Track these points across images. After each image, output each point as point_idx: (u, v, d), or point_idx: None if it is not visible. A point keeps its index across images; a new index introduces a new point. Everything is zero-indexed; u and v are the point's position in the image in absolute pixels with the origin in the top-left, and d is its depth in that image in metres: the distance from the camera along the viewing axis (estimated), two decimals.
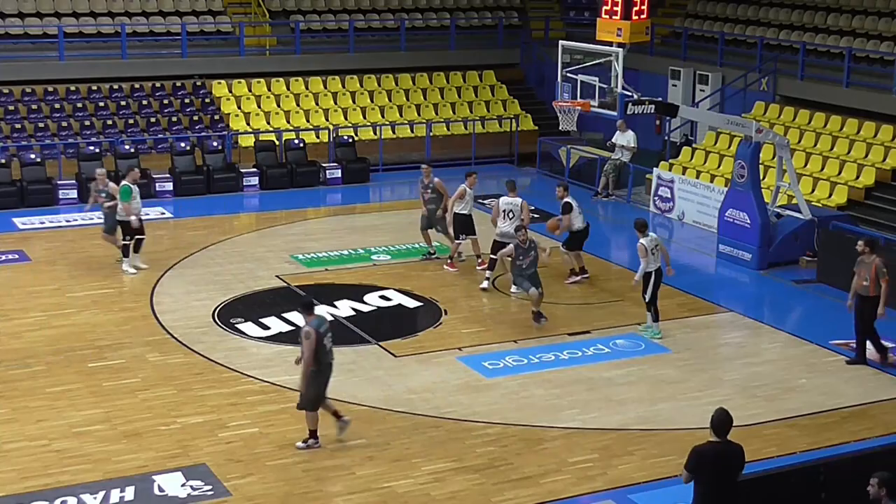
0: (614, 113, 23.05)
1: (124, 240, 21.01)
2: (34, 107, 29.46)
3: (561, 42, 23.75)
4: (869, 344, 16.80)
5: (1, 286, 20.03)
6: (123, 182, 21.18)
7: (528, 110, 33.23)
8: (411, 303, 19.59)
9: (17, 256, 21.95)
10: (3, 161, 27.03)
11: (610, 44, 22.92)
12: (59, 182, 26.86)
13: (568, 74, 23.11)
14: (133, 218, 20.81)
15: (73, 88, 30.15)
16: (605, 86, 22.57)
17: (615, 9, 23.20)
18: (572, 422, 14.86)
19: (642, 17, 23.39)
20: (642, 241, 17.60)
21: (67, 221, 24.96)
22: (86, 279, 20.41)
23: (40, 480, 12.93)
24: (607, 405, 15.40)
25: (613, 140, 28.10)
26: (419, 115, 32.35)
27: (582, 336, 17.91)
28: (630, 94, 22.58)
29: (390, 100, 32.63)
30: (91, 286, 20.04)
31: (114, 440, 14.05)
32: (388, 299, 19.73)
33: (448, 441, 14.24)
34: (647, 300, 17.79)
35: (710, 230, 23.97)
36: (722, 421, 10.48)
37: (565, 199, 20.91)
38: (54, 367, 16.36)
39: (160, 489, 12.84)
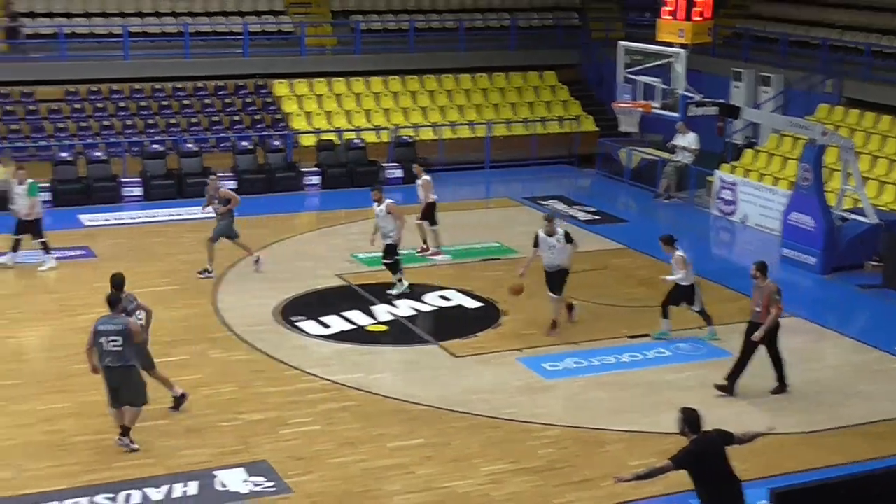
0: (675, 114, 22.93)
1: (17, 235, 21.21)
2: (100, 105, 29.84)
3: (621, 43, 23.66)
4: None
5: (66, 282, 20.31)
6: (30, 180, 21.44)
7: (588, 111, 33.12)
8: (471, 303, 19.60)
9: (82, 252, 22.26)
10: (69, 158, 27.42)
11: (671, 45, 22.80)
12: (123, 179, 27.20)
13: (628, 76, 23.02)
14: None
15: (137, 87, 30.51)
16: (666, 87, 22.45)
17: (677, 10, 23.08)
18: (633, 425, 14.79)
19: (704, 17, 23.25)
20: (680, 252, 17.49)
21: (132, 218, 25.28)
22: (149, 276, 20.61)
23: (104, 474, 13.09)
24: (668, 409, 15.25)
25: (674, 142, 27.93)
26: (479, 115, 32.36)
27: (643, 339, 17.82)
28: (691, 95, 22.44)
29: (450, 100, 32.67)
30: (155, 283, 20.24)
31: (176, 435, 14.19)
32: (448, 299, 19.76)
33: (507, 442, 14.23)
34: (698, 309, 17.69)
35: (773, 233, 23.76)
36: (694, 417, 10.60)
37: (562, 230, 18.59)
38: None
39: (222, 485, 12.95)
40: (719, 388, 15.61)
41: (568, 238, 17.83)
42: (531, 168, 31.14)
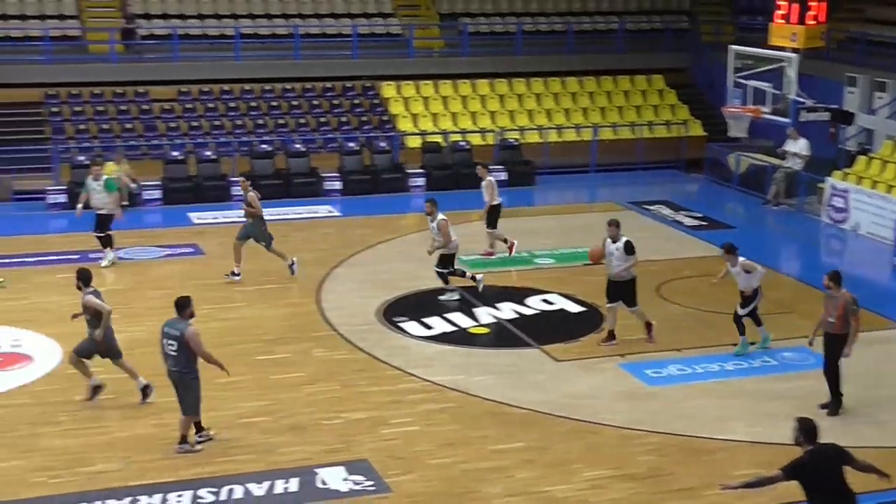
0: (786, 120, 22.60)
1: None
2: (211, 105, 30.36)
3: (732, 47, 23.38)
4: None
5: (175, 278, 20.67)
6: (106, 176, 21.76)
7: (697, 116, 32.74)
8: (574, 307, 19.50)
9: (191, 250, 22.66)
10: (180, 157, 27.94)
11: (783, 49, 22.46)
12: (232, 179, 27.60)
13: (739, 80, 22.74)
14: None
15: (247, 88, 30.98)
16: (777, 92, 22.14)
17: (790, 13, 22.70)
18: (736, 434, 14.56)
19: (818, 21, 22.83)
20: (744, 259, 17.01)
21: (240, 217, 25.59)
22: (255, 274, 20.89)
23: (208, 468, 13.29)
24: (772, 419, 15.01)
25: (785, 147, 27.44)
26: (585, 118, 32.19)
27: (749, 347, 17.50)
28: (803, 100, 22.07)
29: (557, 103, 32.56)
30: (260, 281, 20.53)
31: (278, 432, 14.35)
32: (551, 303, 19.68)
33: (607, 448, 14.12)
34: (745, 314, 17.18)
35: (885, 242, 23.21)
36: (810, 427, 10.37)
37: (625, 238, 17.50)
38: (223, 359, 16.71)
39: (323, 482, 13.06)
40: (823, 406, 15.20)
41: (628, 248, 17.19)
42: (637, 172, 30.88)
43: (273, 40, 32.17)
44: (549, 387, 16.04)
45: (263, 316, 18.81)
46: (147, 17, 32.15)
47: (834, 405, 15.18)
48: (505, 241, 22.43)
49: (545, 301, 19.75)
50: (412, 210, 26.99)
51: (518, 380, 16.28)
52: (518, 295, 19.92)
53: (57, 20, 31.53)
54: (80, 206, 21.87)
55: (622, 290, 17.37)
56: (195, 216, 25.55)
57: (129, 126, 29.30)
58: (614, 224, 17.46)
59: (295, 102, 30.94)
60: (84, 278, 14.83)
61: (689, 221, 25.59)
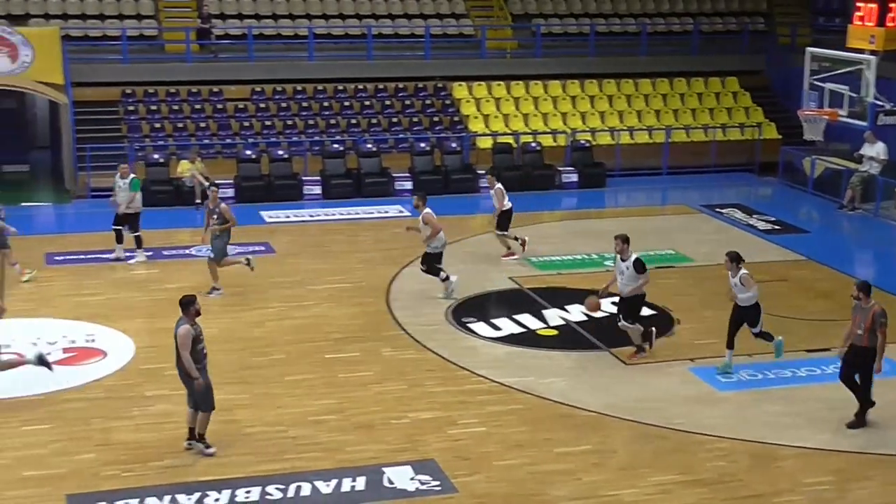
0: (864, 123, 22.26)
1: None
2: (284, 105, 30.60)
3: (808, 49, 23.09)
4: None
5: (246, 276, 20.85)
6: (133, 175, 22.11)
7: (771, 118, 32.36)
8: (644, 310, 19.34)
9: (262, 248, 22.86)
10: (253, 156, 28.21)
11: (861, 51, 22.12)
12: (304, 178, 27.81)
13: (815, 82, 22.44)
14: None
15: (320, 88, 31.17)
16: (854, 95, 21.80)
17: (868, 15, 22.36)
18: (807, 441, 14.36)
19: None
20: (746, 273, 16.19)
21: (311, 216, 25.83)
22: (326, 273, 21.04)
23: (276, 465, 13.40)
24: (843, 427, 14.80)
25: (861, 151, 27.02)
26: (658, 120, 31.97)
27: (821, 353, 17.28)
28: (881, 103, 21.73)
29: (629, 104, 32.36)
30: (330, 280, 20.66)
31: (346, 430, 14.42)
32: None
33: (676, 452, 14.00)
34: (758, 332, 16.43)
35: None
36: None
37: (635, 256, 17.00)
38: (292, 357, 16.95)
39: (390, 481, 13.10)
40: (850, 426, 14.79)
41: (637, 267, 16.70)
42: (710, 175, 30.60)
43: (347, 41, 32.35)
44: (618, 390, 15.95)
45: (333, 315, 18.92)
46: (222, 17, 32.49)
47: (859, 419, 14.77)
48: (516, 238, 22.47)
49: (615, 304, 19.60)
50: (482, 211, 26.97)
51: (586, 382, 16.21)
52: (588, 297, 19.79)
53: (135, 20, 31.98)
54: (113, 199, 22.34)
55: (626, 307, 16.95)
56: (267, 215, 25.77)
57: (203, 125, 29.63)
58: (621, 239, 16.85)
59: (367, 102, 31.08)
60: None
61: (762, 225, 25.30)
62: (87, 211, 26.12)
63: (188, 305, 13.54)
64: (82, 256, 22.02)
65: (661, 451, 14.02)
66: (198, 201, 26.51)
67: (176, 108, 29.97)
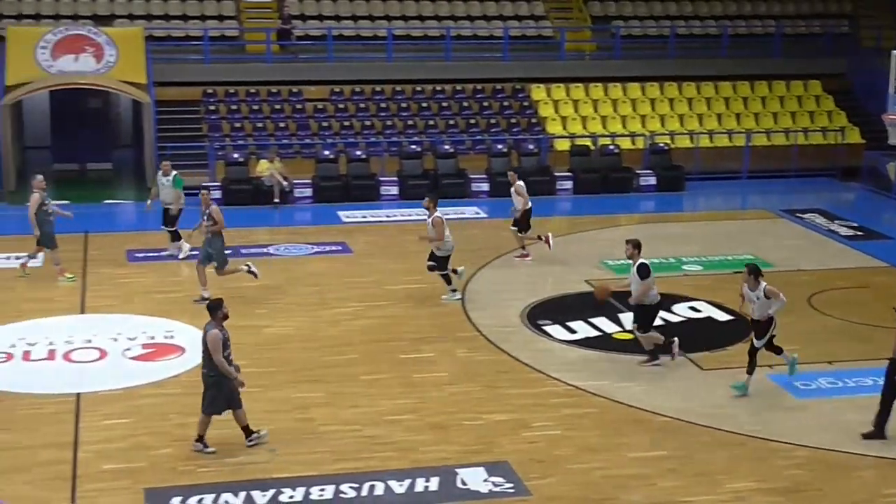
0: None
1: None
2: (362, 105, 30.77)
3: (895, 52, 22.67)
4: None
5: (323, 275, 21.02)
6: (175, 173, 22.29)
7: (854, 122, 31.86)
8: (722, 316, 19.16)
9: (339, 248, 23.00)
10: (331, 156, 28.40)
11: None
12: (381, 178, 27.92)
13: None
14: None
15: (398, 89, 31.29)
16: None
17: None
18: (888, 451, 14.09)
19: None
20: (768, 285, 15.50)
21: (388, 216, 25.93)
22: (402, 273, 21.10)
23: (351, 464, 13.46)
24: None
25: None
26: (739, 123, 31.63)
27: None
28: None
29: (709, 108, 32.07)
30: (406, 280, 20.72)
31: (420, 431, 14.44)
32: (698, 311, 19.38)
33: (752, 460, 13.82)
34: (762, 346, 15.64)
35: None
36: None
37: (640, 261, 16.64)
38: (368, 356, 17.02)
39: (463, 482, 13.09)
40: (866, 436, 14.38)
41: (641, 271, 16.38)
42: (791, 180, 30.20)
43: (426, 42, 32.44)
44: (694, 395, 15.79)
45: (408, 315, 18.97)
46: (302, 18, 32.76)
47: (877, 432, 14.40)
48: (539, 238, 22.39)
49: (692, 308, 19.46)
50: (559, 213, 26.93)
51: (662, 387, 16.07)
52: (665, 302, 19.62)
53: (216, 21, 32.36)
54: (150, 201, 22.74)
55: (636, 314, 16.69)
56: (344, 214, 25.93)
57: (282, 125, 29.90)
58: (631, 244, 16.55)
59: (445, 104, 31.14)
60: None
61: (844, 231, 24.91)
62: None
63: (216, 309, 13.59)
64: (163, 254, 22.31)
65: (737, 458, 13.85)
66: (276, 200, 26.76)
67: (256, 107, 30.27)
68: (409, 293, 20.08)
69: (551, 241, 22.34)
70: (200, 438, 13.67)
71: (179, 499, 12.44)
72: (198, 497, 12.51)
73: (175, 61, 30.18)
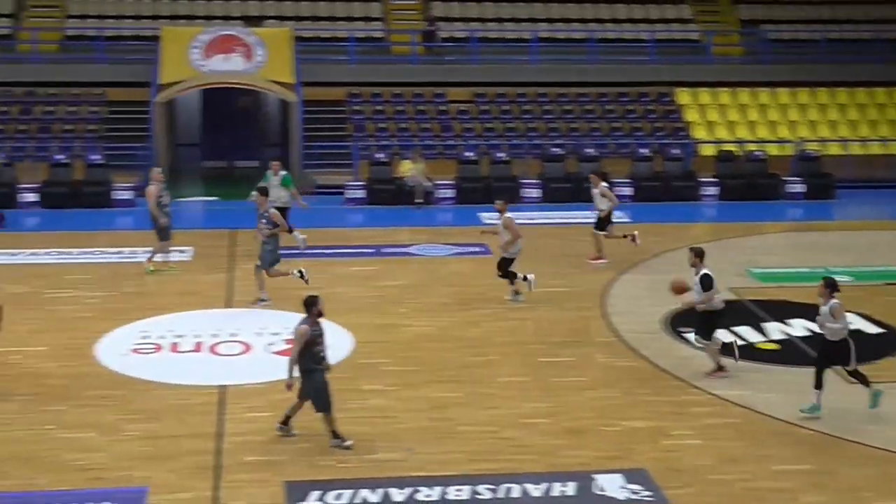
0: None
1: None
2: (505, 108, 30.79)
3: None
4: None
5: (464, 276, 21.06)
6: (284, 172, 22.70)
7: None
8: (871, 328, 18.59)
9: (481, 249, 23.00)
10: (473, 158, 28.47)
11: None
12: (523, 181, 27.88)
13: None
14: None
15: (542, 91, 31.22)
16: None
17: None
18: None
19: None
20: (837, 302, 14.72)
21: (529, 219, 25.85)
22: (542, 276, 20.97)
23: (488, 465, 13.42)
24: None
25: None
26: (893, 131, 30.69)
27: None
28: None
29: (862, 114, 31.18)
30: (547, 283, 20.61)
31: (558, 435, 14.33)
32: (848, 322, 18.80)
33: None
34: (852, 370, 14.92)
35: None
36: None
37: (704, 271, 16.16)
38: (507, 358, 16.98)
39: (600, 489, 12.95)
40: None
41: (704, 283, 15.89)
42: None
43: (570, 45, 32.27)
44: (842, 409, 15.33)
45: (548, 318, 18.88)
46: (447, 20, 32.92)
47: None
48: (625, 236, 22.20)
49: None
50: (703, 219, 26.51)
51: (807, 400, 15.64)
52: (811, 312, 19.12)
53: (363, 22, 32.74)
54: (300, 198, 23.30)
55: (700, 318, 16.27)
56: (486, 216, 25.94)
57: (426, 126, 30.10)
58: (694, 252, 16.17)
59: (588, 107, 30.94)
60: None
61: None
62: (313, 207, 26.86)
63: (311, 306, 13.63)
64: (305, 251, 22.62)
65: (886, 476, 13.39)
66: (418, 201, 26.94)
67: (400, 108, 30.54)
68: (550, 296, 19.98)
69: (638, 240, 22.19)
70: (335, 434, 13.80)
71: (319, 492, 12.57)
72: (337, 492, 12.62)
73: (322, 62, 30.62)
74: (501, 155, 28.74)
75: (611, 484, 13.04)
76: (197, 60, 29.33)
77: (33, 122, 29.86)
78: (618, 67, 31.68)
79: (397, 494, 12.63)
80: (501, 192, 27.41)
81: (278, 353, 16.98)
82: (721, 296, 16.41)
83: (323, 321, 13.80)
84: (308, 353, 13.49)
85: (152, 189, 21.03)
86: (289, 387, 13.54)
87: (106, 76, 30.39)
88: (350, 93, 30.86)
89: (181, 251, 22.46)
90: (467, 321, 18.70)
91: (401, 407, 14.98)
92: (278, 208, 22.67)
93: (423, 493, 12.71)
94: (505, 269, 19.75)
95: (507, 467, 13.38)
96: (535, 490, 12.86)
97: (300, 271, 19.59)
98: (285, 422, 13.99)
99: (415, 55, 31.45)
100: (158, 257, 21.31)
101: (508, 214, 19.65)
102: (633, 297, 19.95)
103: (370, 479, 12.93)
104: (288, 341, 17.41)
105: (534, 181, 28.06)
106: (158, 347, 17.25)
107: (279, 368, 16.18)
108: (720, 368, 16.40)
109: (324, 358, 13.69)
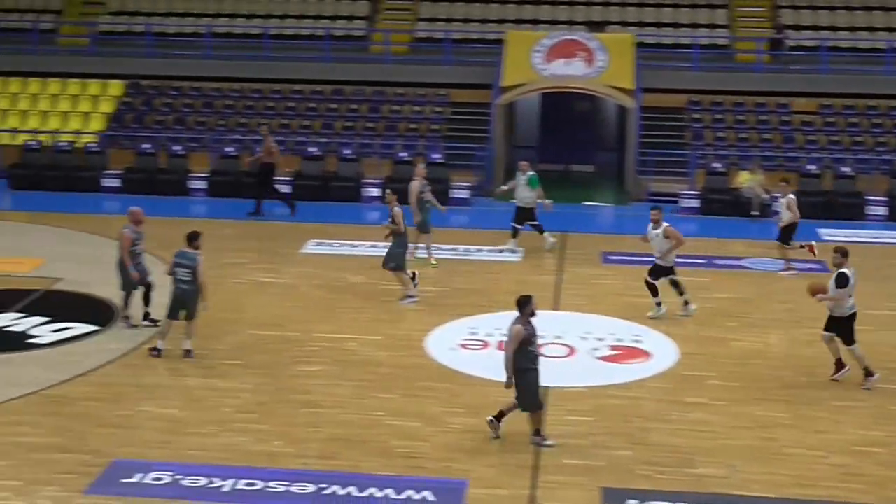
0: None
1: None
2: (852, 120, 29.49)
3: None
4: None
5: (797, 293, 20.23)
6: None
7: None
8: None
9: (817, 266, 21.91)
10: (815, 171, 27.42)
11: None
12: (868, 197, 26.60)
13: None
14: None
15: (894, 105, 29.61)
16: None
17: None
18: None
19: None
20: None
21: (873, 237, 24.61)
22: (884, 298, 19.88)
23: (814, 491, 12.83)
24: None
25: None
26: None
27: None
28: None
29: None
30: (889, 305, 19.53)
31: (894, 466, 13.51)
32: None
33: None
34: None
35: None
36: None
37: (842, 270, 15.79)
38: (841, 381, 16.14)
39: None
40: None
41: (839, 281, 15.62)
42: None
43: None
44: None
45: (889, 342, 17.84)
46: (796, 27, 31.82)
47: None
48: (802, 247, 21.48)
49: None
50: None
51: None
52: None
53: (707, 29, 32.18)
54: (504, 187, 23.91)
55: (836, 325, 15.88)
56: (825, 232, 24.89)
57: (767, 136, 29.21)
58: (840, 253, 15.99)
59: (855, 120, 29.11)
60: None
61: None
62: (644, 214, 26.61)
63: (524, 306, 13.59)
64: (635, 258, 22.43)
65: None
66: (754, 213, 26.21)
67: (741, 118, 29.80)
68: (894, 319, 18.89)
69: (815, 250, 21.51)
70: (537, 432, 13.77)
71: (636, 502, 12.41)
72: (654, 503, 12.42)
73: (662, 68, 30.31)
74: (846, 169, 27.49)
75: None
76: (538, 64, 29.72)
77: (381, 121, 31.13)
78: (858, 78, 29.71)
79: None
80: (846, 208, 26.35)
81: (602, 358, 16.92)
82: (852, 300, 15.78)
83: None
84: (523, 352, 13.54)
85: (415, 184, 21.63)
86: (509, 387, 13.62)
87: (451, 77, 31.30)
88: (690, 100, 30.40)
89: (512, 251, 22.84)
90: (799, 340, 17.95)
91: (724, 423, 14.58)
92: (522, 208, 22.78)
93: None
94: (657, 276, 18.96)
95: (835, 495, 12.75)
96: None
97: (413, 273, 19.81)
98: (499, 417, 14.00)
99: (760, 63, 30.58)
100: (511, 256, 22.03)
101: (666, 223, 19.04)
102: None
103: (690, 493, 12.65)
104: (623, 350, 17.38)
105: (880, 198, 26.66)
106: (486, 344, 17.56)
107: (602, 374, 16.18)
108: (869, 374, 15.80)
109: (538, 357, 13.76)
